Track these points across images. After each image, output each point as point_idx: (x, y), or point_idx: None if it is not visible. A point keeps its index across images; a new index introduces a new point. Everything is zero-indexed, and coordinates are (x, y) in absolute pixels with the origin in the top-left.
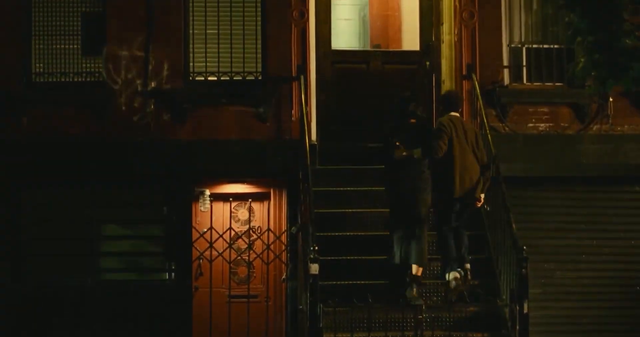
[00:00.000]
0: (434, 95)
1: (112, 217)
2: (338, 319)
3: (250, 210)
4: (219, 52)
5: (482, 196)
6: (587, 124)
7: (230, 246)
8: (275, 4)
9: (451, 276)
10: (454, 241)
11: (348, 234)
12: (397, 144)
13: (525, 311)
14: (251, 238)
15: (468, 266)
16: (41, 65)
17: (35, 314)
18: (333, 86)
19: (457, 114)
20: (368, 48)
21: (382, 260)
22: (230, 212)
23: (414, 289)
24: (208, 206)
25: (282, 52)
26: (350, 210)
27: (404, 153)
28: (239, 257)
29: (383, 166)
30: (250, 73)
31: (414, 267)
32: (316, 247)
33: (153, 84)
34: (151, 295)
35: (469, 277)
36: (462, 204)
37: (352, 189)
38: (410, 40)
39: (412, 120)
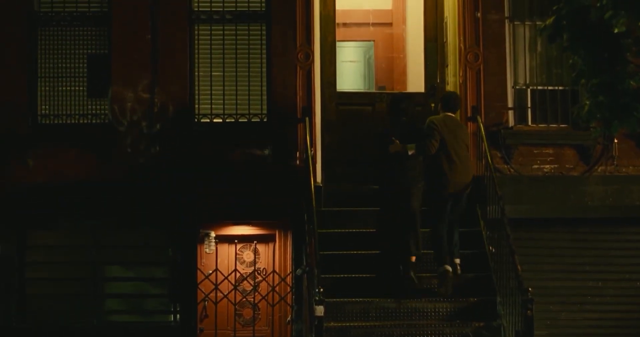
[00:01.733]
0: None
1: (116, 259)
2: None
3: (255, 252)
4: (224, 94)
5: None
6: (592, 165)
7: (235, 287)
8: (281, 46)
9: (442, 268)
10: (447, 236)
11: (353, 276)
12: (392, 138)
13: None
14: (256, 280)
15: (458, 260)
16: (47, 107)
17: None
18: (338, 128)
19: (452, 115)
20: (373, 90)
21: (389, 301)
22: (236, 254)
23: (412, 272)
24: (213, 247)
25: (287, 94)
26: (355, 252)
27: (399, 148)
28: (244, 299)
29: (378, 160)
30: (255, 115)
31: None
32: (321, 289)
33: (158, 126)
34: None
35: (459, 271)
36: (454, 200)
37: (357, 230)
38: (415, 82)
39: (404, 118)
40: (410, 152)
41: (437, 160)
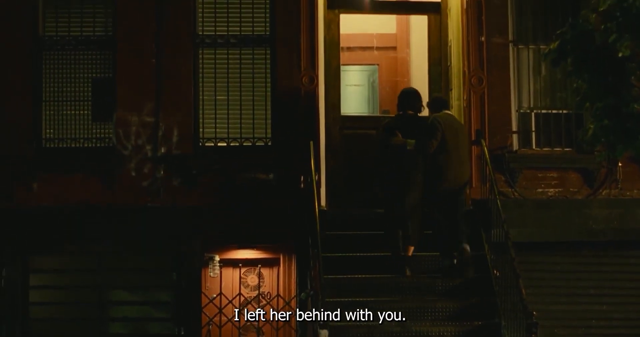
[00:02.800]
0: None
1: (120, 283)
2: None
3: (259, 276)
4: (228, 118)
5: None
6: (596, 188)
7: (239, 311)
8: (285, 70)
9: (447, 261)
10: (451, 233)
11: (358, 299)
12: (396, 131)
13: None
14: (261, 304)
15: (467, 246)
16: (52, 130)
17: None
18: (342, 152)
19: (450, 112)
20: (377, 114)
21: (393, 325)
22: (240, 277)
23: (407, 270)
24: (217, 271)
25: (291, 117)
26: (359, 276)
27: (400, 141)
28: (249, 323)
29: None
30: (259, 139)
31: (409, 249)
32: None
33: (163, 150)
34: None
35: (468, 251)
36: (453, 195)
37: (361, 254)
38: None
39: (410, 112)
40: (409, 147)
41: (436, 156)
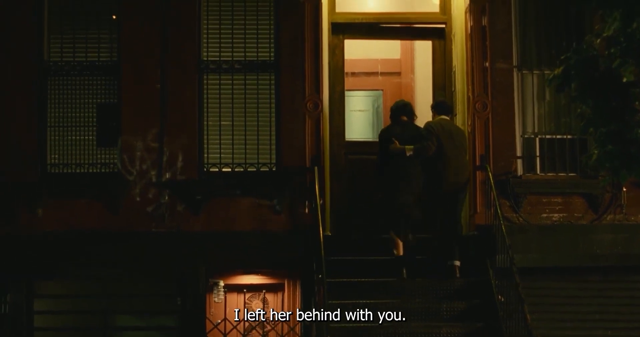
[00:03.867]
0: None
1: (125, 308)
2: None
3: (264, 301)
4: (233, 144)
5: None
6: (601, 213)
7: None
8: (289, 96)
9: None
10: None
11: (362, 325)
12: (392, 138)
13: None
14: (265, 329)
15: (458, 263)
16: (56, 156)
17: None
18: (347, 177)
19: (447, 118)
20: None
21: None
22: (244, 303)
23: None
24: (222, 296)
25: (296, 143)
26: (364, 301)
27: (399, 148)
28: None
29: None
30: (264, 164)
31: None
32: None
33: (167, 175)
34: None
35: (457, 274)
36: (451, 199)
37: (366, 280)
38: None
39: (404, 118)
40: (408, 154)
41: (433, 160)
